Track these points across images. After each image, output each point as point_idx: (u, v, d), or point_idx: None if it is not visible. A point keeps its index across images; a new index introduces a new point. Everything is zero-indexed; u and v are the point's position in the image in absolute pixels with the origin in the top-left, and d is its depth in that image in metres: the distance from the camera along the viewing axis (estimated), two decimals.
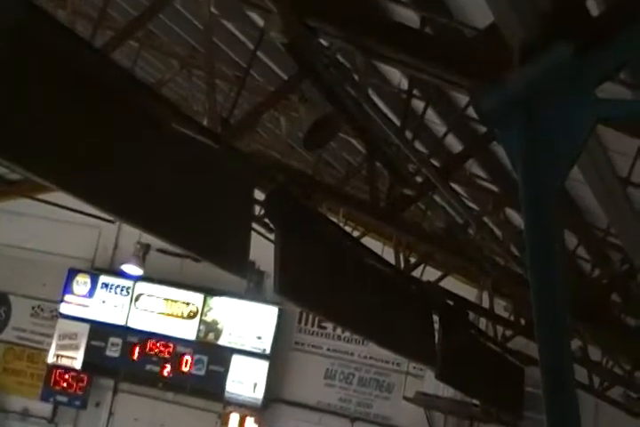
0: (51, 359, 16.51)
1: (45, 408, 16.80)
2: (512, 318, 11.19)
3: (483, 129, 6.73)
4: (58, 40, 3.58)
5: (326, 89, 4.86)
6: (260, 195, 5.75)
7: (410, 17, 5.65)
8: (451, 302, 9.18)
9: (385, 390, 15.89)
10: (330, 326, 15.92)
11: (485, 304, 11.05)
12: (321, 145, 6.23)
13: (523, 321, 10.87)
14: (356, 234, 10.16)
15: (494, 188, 8.98)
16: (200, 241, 4.87)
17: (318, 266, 6.36)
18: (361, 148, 8.54)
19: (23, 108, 3.38)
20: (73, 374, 16.39)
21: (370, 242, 9.31)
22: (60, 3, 8.60)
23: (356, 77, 5.43)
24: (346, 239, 7.17)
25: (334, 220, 8.92)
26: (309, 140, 5.79)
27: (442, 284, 10.04)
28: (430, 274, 10.77)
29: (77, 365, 16.37)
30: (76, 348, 16.45)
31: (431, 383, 13.73)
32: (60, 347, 16.52)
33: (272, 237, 7.36)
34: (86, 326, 16.46)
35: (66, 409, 16.68)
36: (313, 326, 16.34)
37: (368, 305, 7.22)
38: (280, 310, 15.72)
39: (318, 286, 6.29)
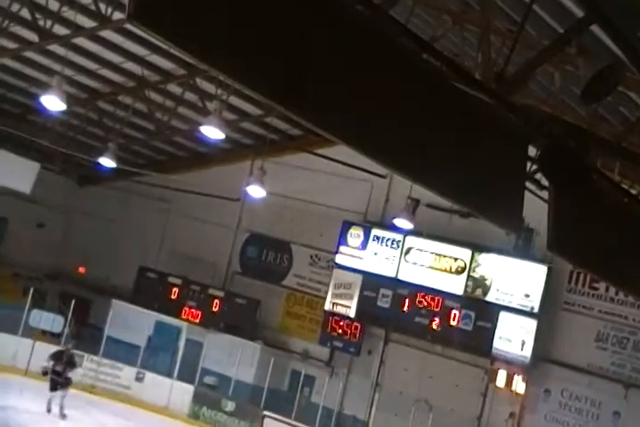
0: (327, 306, 17.53)
1: (323, 352, 17.91)
2: None
3: None
4: None
5: (617, 34, 4.64)
6: (531, 151, 5.66)
7: None
8: None
9: None
10: (602, 286, 15.40)
11: None
12: (600, 97, 6.00)
13: None
14: (633, 192, 9.72)
15: None
16: (474, 196, 4.91)
17: (593, 224, 6.16)
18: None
19: (312, 66, 3.62)
20: (348, 321, 17.29)
21: None
22: None
23: None
24: (623, 197, 6.88)
25: (610, 176, 8.57)
26: (589, 92, 5.60)
27: None
28: None
29: (351, 313, 17.23)
30: (350, 297, 17.28)
31: None
32: (335, 295, 17.46)
33: (541, 193, 7.25)
34: (359, 277, 17.23)
35: (341, 354, 17.67)
36: (584, 286, 15.88)
37: None
38: (549, 269, 15.44)
39: (593, 244, 6.10)
